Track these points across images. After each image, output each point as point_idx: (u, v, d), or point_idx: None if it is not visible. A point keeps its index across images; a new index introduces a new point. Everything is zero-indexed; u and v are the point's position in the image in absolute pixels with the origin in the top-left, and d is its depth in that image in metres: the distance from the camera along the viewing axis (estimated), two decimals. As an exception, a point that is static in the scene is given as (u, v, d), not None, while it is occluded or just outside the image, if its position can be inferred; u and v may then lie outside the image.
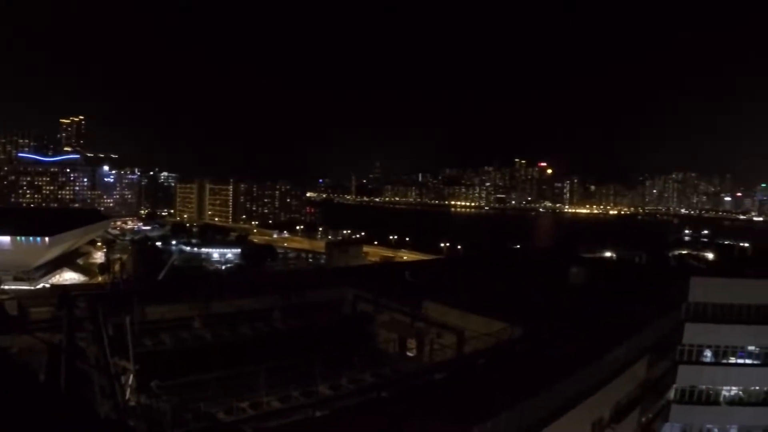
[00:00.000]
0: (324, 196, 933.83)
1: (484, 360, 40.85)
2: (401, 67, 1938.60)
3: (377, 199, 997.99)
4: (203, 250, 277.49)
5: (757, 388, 75.92)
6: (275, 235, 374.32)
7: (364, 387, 36.40)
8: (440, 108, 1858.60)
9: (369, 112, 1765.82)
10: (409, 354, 47.91)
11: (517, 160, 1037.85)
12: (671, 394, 72.64)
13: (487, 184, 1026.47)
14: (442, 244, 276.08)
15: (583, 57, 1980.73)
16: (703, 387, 74.16)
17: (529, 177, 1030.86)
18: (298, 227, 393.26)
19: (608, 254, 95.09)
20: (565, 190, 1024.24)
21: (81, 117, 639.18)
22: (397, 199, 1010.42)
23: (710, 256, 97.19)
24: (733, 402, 75.43)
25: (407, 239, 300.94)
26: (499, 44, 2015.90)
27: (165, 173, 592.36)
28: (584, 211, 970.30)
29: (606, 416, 48.38)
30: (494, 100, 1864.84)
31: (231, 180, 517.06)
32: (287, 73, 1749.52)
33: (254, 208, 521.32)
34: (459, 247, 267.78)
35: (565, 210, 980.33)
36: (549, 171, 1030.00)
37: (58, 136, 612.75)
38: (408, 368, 39.97)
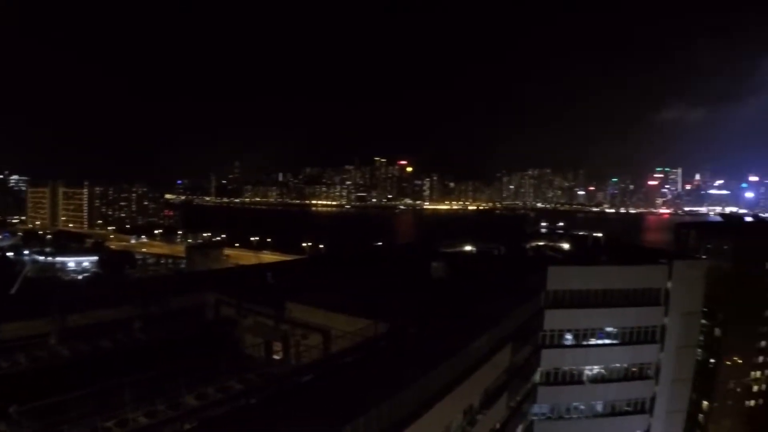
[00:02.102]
0: (183, 198, 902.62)
1: (351, 358, 41.58)
2: (261, 65, 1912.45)
3: (237, 200, 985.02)
4: (58, 259, 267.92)
5: (618, 365, 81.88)
6: (133, 241, 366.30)
7: (232, 395, 35.56)
8: (300, 106, 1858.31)
9: (228, 110, 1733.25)
10: (276, 357, 47.23)
11: (377, 158, 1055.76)
12: (537, 377, 76.43)
13: (348, 182, 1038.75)
14: (305, 244, 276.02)
15: (441, 56, 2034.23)
16: (567, 368, 78.94)
17: (389, 175, 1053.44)
18: (156, 231, 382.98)
19: (468, 248, 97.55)
20: (424, 188, 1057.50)
21: None
22: (258, 199, 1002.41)
23: (566, 246, 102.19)
24: (596, 380, 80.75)
25: (269, 240, 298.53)
26: (356, 42, 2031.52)
27: (15, 177, 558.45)
28: (444, 207, 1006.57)
29: (476, 403, 50.38)
30: (353, 99, 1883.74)
31: (85, 183, 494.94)
32: (142, 72, 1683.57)
33: (110, 213, 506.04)
34: (321, 246, 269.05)
35: (425, 207, 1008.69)
36: (409, 169, 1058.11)
37: None
38: (275, 372, 39.34)
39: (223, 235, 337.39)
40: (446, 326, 49.27)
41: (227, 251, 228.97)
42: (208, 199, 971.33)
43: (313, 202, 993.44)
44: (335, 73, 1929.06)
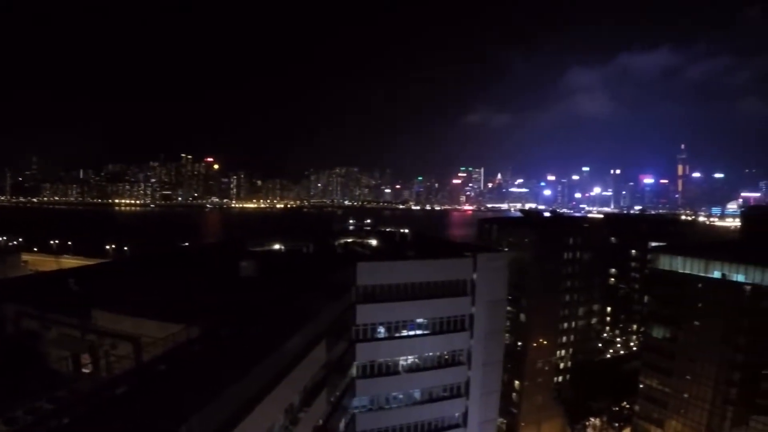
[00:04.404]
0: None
1: (164, 366, 39.51)
2: (58, 55, 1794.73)
3: (35, 200, 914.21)
4: None
5: (431, 354, 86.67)
6: None
7: (42, 416, 33.10)
8: (103, 99, 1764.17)
9: (25, 100, 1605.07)
10: (85, 371, 45.35)
11: (183, 155, 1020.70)
12: (354, 372, 79.04)
13: (153, 180, 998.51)
14: (108, 247, 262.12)
15: (251, 55, 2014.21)
16: (382, 360, 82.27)
17: (196, 172, 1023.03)
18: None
19: (277, 246, 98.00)
20: (232, 186, 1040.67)
21: None
22: (57, 198, 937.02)
23: (374, 242, 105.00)
24: (411, 369, 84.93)
25: (70, 243, 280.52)
26: (166, 39, 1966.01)
27: None
28: (252, 205, 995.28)
29: (297, 402, 50.80)
30: (160, 92, 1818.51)
31: None
32: None
33: None
34: (126, 248, 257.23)
35: (233, 205, 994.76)
36: (216, 166, 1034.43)
37: None
38: (86, 387, 37.94)
39: (20, 239, 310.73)
40: (259, 326, 49.13)
41: (25, 257, 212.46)
42: (2, 198, 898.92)
43: (116, 201, 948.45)
44: (144, 65, 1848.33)
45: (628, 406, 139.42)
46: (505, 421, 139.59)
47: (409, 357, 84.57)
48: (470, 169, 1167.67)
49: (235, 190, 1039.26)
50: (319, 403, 57.84)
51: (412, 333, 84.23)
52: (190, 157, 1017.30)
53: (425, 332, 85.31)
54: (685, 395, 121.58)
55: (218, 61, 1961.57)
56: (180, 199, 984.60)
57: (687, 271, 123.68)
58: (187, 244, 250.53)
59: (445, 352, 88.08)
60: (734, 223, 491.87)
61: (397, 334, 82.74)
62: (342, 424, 71.68)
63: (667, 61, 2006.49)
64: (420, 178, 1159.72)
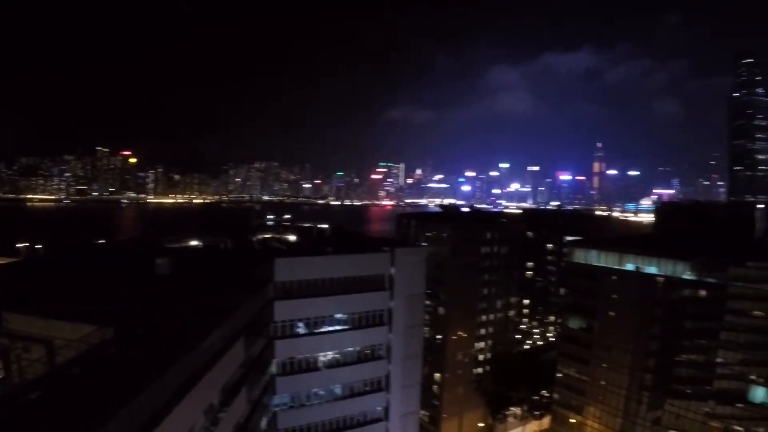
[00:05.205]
0: None
1: (79, 369, 38.37)
2: None
3: None
4: None
5: (351, 349, 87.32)
6: None
7: None
8: (16, 88, 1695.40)
9: None
10: None
11: (99, 148, 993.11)
12: (273, 369, 78.82)
13: (68, 174, 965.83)
14: (19, 245, 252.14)
15: (170, 45, 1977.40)
16: (302, 357, 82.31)
17: (112, 166, 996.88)
18: None
19: (194, 243, 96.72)
20: (149, 180, 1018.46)
21: None
22: None
23: (292, 238, 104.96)
24: (331, 365, 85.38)
25: None
26: (83, 24, 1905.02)
27: None
28: (169, 200, 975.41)
29: (216, 402, 50.20)
30: (76, 82, 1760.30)
31: None
32: None
33: None
34: (39, 246, 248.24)
35: (150, 200, 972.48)
36: (132, 160, 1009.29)
37: None
38: None
39: None
40: (176, 325, 48.24)
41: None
42: None
43: (29, 196, 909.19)
44: (56, 52, 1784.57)
45: (547, 394, 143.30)
46: (427, 413, 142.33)
47: (329, 353, 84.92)
48: (390, 164, 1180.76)
49: (152, 184, 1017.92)
50: (239, 402, 57.22)
51: (331, 329, 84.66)
52: (106, 150, 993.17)
53: (344, 327, 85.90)
54: (602, 382, 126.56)
55: (136, 50, 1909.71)
56: (95, 194, 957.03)
57: (602, 264, 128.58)
58: (102, 241, 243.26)
59: (365, 347, 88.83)
60: (648, 218, 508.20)
61: (316, 330, 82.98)
62: (263, 423, 71.29)
63: (588, 63, 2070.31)
64: (340, 173, 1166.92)
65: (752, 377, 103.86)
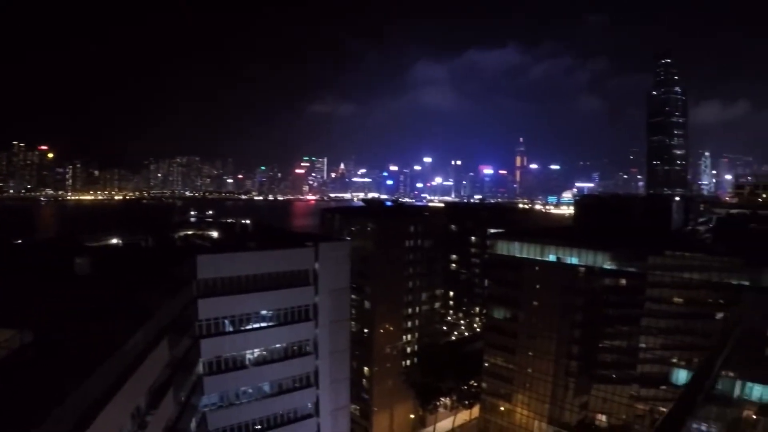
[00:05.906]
0: None
1: None
2: None
3: None
4: None
5: (278, 345, 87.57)
6: None
7: None
8: None
9: None
10: None
11: (15, 143, 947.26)
12: (200, 368, 78.11)
13: None
14: None
15: (87, 39, 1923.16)
16: (229, 355, 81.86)
17: (29, 162, 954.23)
18: None
19: (115, 241, 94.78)
20: (67, 176, 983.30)
21: None
22: None
23: (215, 234, 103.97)
24: (259, 362, 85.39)
25: None
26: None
27: None
28: (89, 197, 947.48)
29: (143, 404, 49.60)
30: None
31: None
32: None
33: None
34: None
35: (69, 197, 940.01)
36: (50, 155, 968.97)
37: None
38: None
39: None
40: (97, 326, 46.76)
41: None
42: None
43: None
44: None
45: (475, 384, 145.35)
46: (358, 407, 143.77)
47: (256, 350, 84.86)
48: (313, 158, 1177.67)
49: (70, 180, 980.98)
50: (167, 404, 56.60)
51: (257, 325, 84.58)
52: (22, 145, 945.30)
53: (270, 324, 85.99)
54: (529, 370, 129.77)
55: (53, 44, 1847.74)
56: (11, 191, 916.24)
57: (524, 256, 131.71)
58: (19, 240, 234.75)
59: (292, 343, 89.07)
60: (569, 211, 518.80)
61: (242, 328, 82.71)
62: (193, 424, 70.64)
63: (513, 60, 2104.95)
64: (263, 167, 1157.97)
65: (674, 360, 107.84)
